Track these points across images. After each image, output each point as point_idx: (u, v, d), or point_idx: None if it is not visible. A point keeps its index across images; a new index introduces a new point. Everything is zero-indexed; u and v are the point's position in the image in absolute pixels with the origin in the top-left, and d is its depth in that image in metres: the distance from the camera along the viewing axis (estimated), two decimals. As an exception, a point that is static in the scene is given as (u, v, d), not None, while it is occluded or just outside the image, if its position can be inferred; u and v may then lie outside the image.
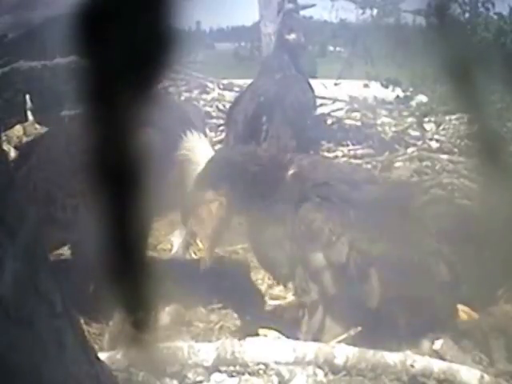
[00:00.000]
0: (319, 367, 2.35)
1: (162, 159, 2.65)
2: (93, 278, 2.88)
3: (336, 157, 5.35)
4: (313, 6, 7.58)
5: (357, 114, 5.92)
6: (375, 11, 8.06)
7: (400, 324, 2.54)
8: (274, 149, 4.29)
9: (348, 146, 5.57)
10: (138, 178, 0.84)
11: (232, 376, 2.33)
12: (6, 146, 4.25)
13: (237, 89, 6.05)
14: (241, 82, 6.10)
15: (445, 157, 5.25)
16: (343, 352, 2.37)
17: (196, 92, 6.24)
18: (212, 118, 5.81)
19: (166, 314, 2.93)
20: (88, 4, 0.79)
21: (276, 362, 2.35)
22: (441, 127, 5.76)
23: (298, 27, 4.67)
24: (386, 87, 6.91)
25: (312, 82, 4.78)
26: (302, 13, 7.36)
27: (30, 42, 5.79)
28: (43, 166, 2.98)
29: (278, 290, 3.23)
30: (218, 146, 5.06)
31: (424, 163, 5.25)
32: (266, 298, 3.27)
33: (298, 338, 2.57)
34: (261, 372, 2.33)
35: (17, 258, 1.29)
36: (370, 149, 5.51)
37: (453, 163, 5.14)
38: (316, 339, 2.56)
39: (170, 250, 3.69)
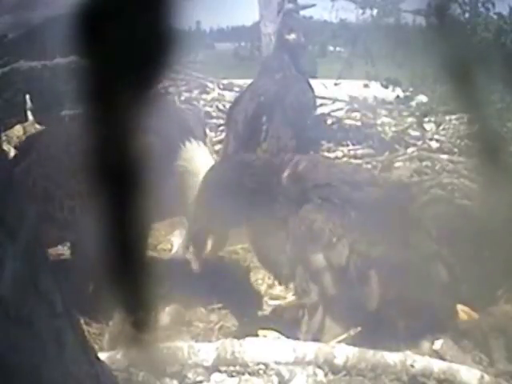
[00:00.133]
0: (319, 367, 2.35)
1: (161, 165, 2.65)
2: (92, 278, 2.88)
3: (336, 157, 5.35)
4: (313, 5, 7.58)
5: (357, 114, 5.92)
6: (375, 11, 8.06)
7: (399, 325, 2.54)
8: (273, 149, 4.30)
9: (348, 146, 5.57)
10: (136, 180, 0.84)
11: (232, 376, 2.33)
12: (5, 146, 4.25)
13: (237, 89, 6.05)
14: (241, 82, 6.10)
15: (445, 157, 5.25)
16: (343, 352, 2.37)
17: (196, 92, 6.24)
18: (212, 118, 5.81)
19: (165, 314, 2.93)
20: (88, 4, 0.79)
21: (276, 362, 2.35)
22: (441, 127, 5.76)
23: (297, 27, 4.67)
24: (386, 87, 6.91)
25: (312, 82, 4.78)
26: (302, 13, 7.36)
27: (30, 42, 5.79)
28: (43, 162, 2.99)
29: (278, 289, 3.23)
30: (218, 146, 5.08)
31: (424, 163, 5.25)
32: (266, 298, 3.27)
33: (298, 338, 2.57)
34: (261, 372, 2.33)
35: (17, 257, 1.29)
36: (370, 149, 5.51)
37: (453, 163, 5.14)
38: (316, 339, 2.56)
39: (170, 250, 3.69)
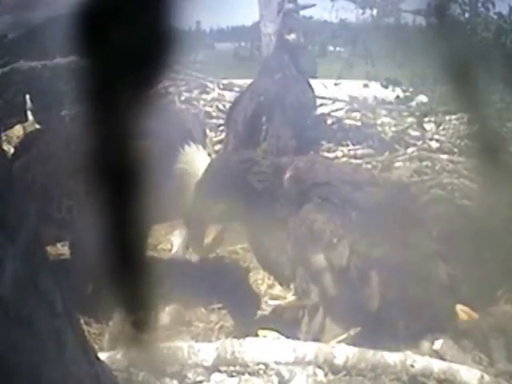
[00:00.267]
0: (319, 367, 2.35)
1: (160, 167, 2.65)
2: (92, 278, 2.88)
3: (336, 157, 5.35)
4: (313, 5, 7.58)
5: (357, 114, 5.92)
6: (375, 11, 8.06)
7: (400, 325, 2.54)
8: (273, 149, 4.30)
9: (348, 146, 5.57)
10: (135, 181, 0.84)
11: (232, 376, 2.33)
12: (5, 146, 4.25)
13: (237, 89, 6.05)
14: (241, 82, 6.10)
15: (445, 157, 5.25)
16: (343, 352, 2.37)
17: (196, 92, 6.24)
18: (212, 118, 5.81)
19: (166, 314, 2.93)
20: (88, 4, 0.79)
21: (276, 362, 2.35)
22: (441, 127, 5.76)
23: (297, 27, 4.66)
24: (386, 87, 6.91)
25: (312, 82, 4.78)
26: (302, 13, 7.37)
27: (30, 42, 5.79)
28: (43, 160, 2.99)
29: (278, 289, 3.23)
30: (218, 146, 5.08)
31: (424, 163, 5.25)
32: (266, 298, 3.27)
33: (298, 338, 2.57)
34: (261, 372, 2.33)
35: (17, 258, 1.29)
36: (370, 149, 5.51)
37: (453, 163, 5.14)
38: (316, 340, 2.56)
39: (170, 250, 3.69)
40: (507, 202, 2.56)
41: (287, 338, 2.56)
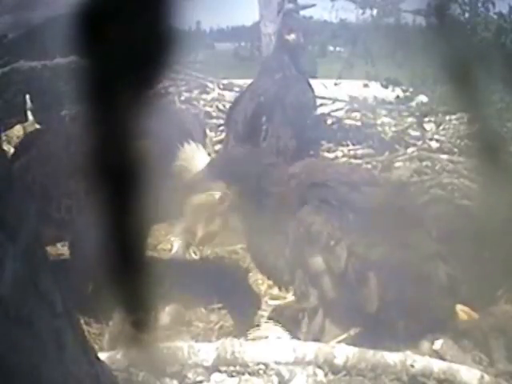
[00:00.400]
0: (319, 367, 2.35)
1: (159, 166, 2.65)
2: (92, 278, 2.88)
3: (336, 157, 5.35)
4: (313, 5, 7.57)
5: (357, 114, 5.92)
6: (375, 11, 8.05)
7: (399, 325, 2.54)
8: (273, 149, 4.29)
9: (348, 146, 5.57)
10: (135, 181, 0.84)
11: (232, 376, 2.33)
12: (6, 146, 4.25)
13: (237, 89, 6.05)
14: (241, 82, 6.09)
15: (445, 157, 5.25)
16: (343, 352, 2.37)
17: (196, 92, 6.24)
18: (212, 118, 5.81)
19: (165, 314, 2.93)
20: (88, 4, 0.79)
21: (276, 362, 2.35)
22: (441, 127, 5.75)
23: (297, 27, 4.66)
24: (386, 87, 6.90)
25: (312, 82, 4.78)
26: (302, 13, 7.36)
27: (30, 42, 5.79)
28: (43, 160, 2.99)
29: (278, 290, 3.22)
30: (218, 146, 5.07)
31: (424, 163, 5.25)
32: (266, 298, 3.27)
33: (298, 338, 2.57)
34: (261, 372, 2.33)
35: (17, 258, 1.29)
36: (370, 149, 5.50)
37: (453, 163, 5.14)
38: (316, 340, 2.56)
39: (170, 250, 3.69)
40: (507, 202, 2.56)
41: (288, 331, 2.56)
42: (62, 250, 3.33)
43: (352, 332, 2.59)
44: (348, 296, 2.55)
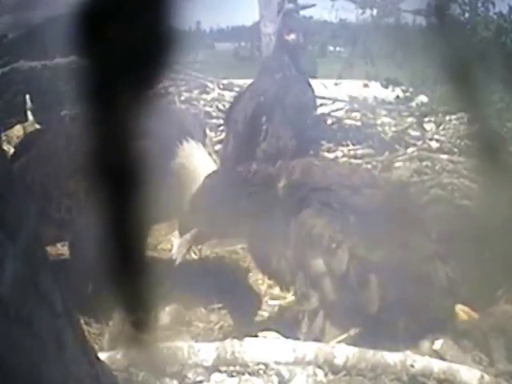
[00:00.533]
0: (319, 367, 2.35)
1: (159, 166, 2.65)
2: (92, 278, 2.88)
3: (336, 157, 5.35)
4: (313, 5, 7.57)
5: (357, 114, 5.92)
6: (375, 11, 8.05)
7: (400, 326, 2.54)
8: (273, 149, 4.29)
9: (348, 146, 5.57)
10: (135, 181, 0.84)
11: (232, 376, 2.33)
12: (5, 146, 4.25)
13: (237, 89, 6.05)
14: (241, 82, 6.09)
15: (445, 157, 5.25)
16: (343, 352, 2.37)
17: (196, 92, 6.23)
18: (212, 118, 5.81)
19: (166, 314, 2.93)
20: (88, 4, 0.79)
21: (276, 362, 2.35)
22: (441, 127, 5.75)
23: (297, 27, 4.66)
24: (386, 87, 6.91)
25: (312, 82, 4.77)
26: (302, 13, 7.35)
27: (30, 42, 5.79)
28: (42, 160, 2.99)
29: (278, 289, 3.22)
30: (218, 146, 5.07)
31: (424, 163, 5.25)
32: (266, 298, 3.27)
33: (298, 338, 2.57)
34: (261, 372, 2.33)
35: (17, 258, 1.29)
36: (370, 149, 5.50)
37: (453, 163, 5.14)
38: (316, 341, 2.56)
39: (170, 250, 3.69)
40: (507, 202, 2.56)
41: (287, 338, 2.56)
42: (62, 249, 3.33)
43: (352, 332, 2.59)
44: (349, 298, 2.55)
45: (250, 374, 2.33)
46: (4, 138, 4.86)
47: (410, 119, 5.90)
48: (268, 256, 2.69)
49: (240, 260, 3.58)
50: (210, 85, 6.28)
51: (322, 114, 5.59)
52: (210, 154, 3.34)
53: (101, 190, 0.84)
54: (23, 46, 5.82)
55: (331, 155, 5.38)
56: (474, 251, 2.67)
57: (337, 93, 6.45)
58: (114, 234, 0.89)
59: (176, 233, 3.73)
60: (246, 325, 2.96)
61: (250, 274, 3.43)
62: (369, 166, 5.13)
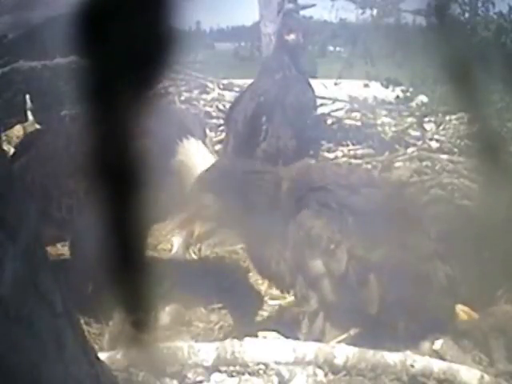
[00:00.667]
0: (319, 367, 2.35)
1: (158, 166, 2.65)
2: (92, 278, 2.88)
3: (336, 157, 5.35)
4: (313, 5, 7.58)
5: (357, 114, 5.92)
6: (375, 11, 8.06)
7: (399, 326, 2.54)
8: (273, 149, 4.30)
9: (348, 146, 5.57)
10: (135, 181, 0.84)
11: (232, 376, 2.33)
12: (5, 146, 4.25)
13: (237, 89, 6.05)
14: (241, 82, 6.09)
15: (445, 157, 5.25)
16: (343, 352, 2.37)
17: (196, 92, 6.24)
18: (212, 118, 5.81)
19: (166, 314, 2.93)
20: (88, 4, 0.79)
21: (276, 362, 2.35)
22: (441, 127, 5.75)
23: (297, 27, 4.66)
24: (386, 87, 6.91)
25: (312, 82, 4.77)
26: (302, 13, 7.37)
27: (30, 42, 5.79)
28: (42, 160, 2.99)
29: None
30: (218, 146, 5.07)
31: (424, 163, 5.25)
32: (266, 298, 3.27)
33: (298, 338, 2.57)
34: (261, 372, 2.33)
35: (17, 258, 1.29)
36: (370, 149, 5.50)
37: (453, 163, 5.14)
38: (316, 341, 2.56)
39: (170, 250, 3.69)
40: (507, 202, 2.56)
41: (287, 338, 2.56)
42: (62, 250, 3.33)
43: (352, 332, 2.59)
44: (348, 298, 2.55)
45: (250, 373, 2.33)
46: (4, 138, 4.86)
47: (409, 119, 5.90)
48: (266, 258, 2.69)
49: (240, 260, 3.58)
50: (210, 85, 6.28)
51: (322, 114, 5.59)
52: (210, 153, 3.33)
53: (101, 189, 0.84)
54: (23, 46, 5.81)
55: (331, 155, 5.38)
56: (474, 251, 2.67)
57: (337, 93, 6.45)
58: (114, 233, 0.89)
59: (176, 232, 3.74)
60: (246, 325, 2.96)
61: (250, 274, 3.42)
62: (369, 166, 5.13)
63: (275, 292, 3.25)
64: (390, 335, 2.50)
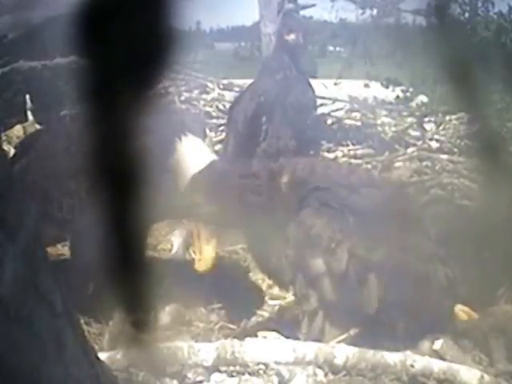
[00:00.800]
0: (319, 367, 2.35)
1: (158, 166, 2.65)
2: (92, 278, 2.88)
3: (336, 157, 5.34)
4: (313, 5, 7.59)
5: (357, 114, 5.92)
6: (375, 11, 8.07)
7: (399, 326, 2.54)
8: (273, 149, 4.29)
9: (348, 146, 5.57)
10: (135, 181, 0.84)
11: (232, 376, 2.33)
12: (6, 146, 4.25)
13: (237, 89, 6.05)
14: (241, 82, 6.09)
15: (445, 157, 5.25)
16: (343, 352, 2.37)
17: (196, 92, 6.23)
18: (212, 118, 5.81)
19: (166, 314, 2.93)
20: (88, 4, 0.79)
21: (276, 362, 2.35)
22: (441, 127, 5.76)
23: (297, 27, 4.66)
24: (386, 87, 6.91)
25: (312, 82, 4.77)
26: (302, 13, 7.37)
27: (30, 42, 5.79)
28: (42, 162, 2.99)
29: (278, 289, 3.22)
30: (218, 146, 5.07)
31: (424, 163, 5.25)
32: (266, 298, 3.27)
33: (298, 338, 2.57)
34: (261, 372, 2.33)
35: (17, 258, 1.29)
36: (370, 149, 5.50)
37: (453, 163, 5.14)
38: (316, 341, 2.56)
39: (170, 250, 3.69)
40: (507, 202, 2.56)
41: (287, 338, 2.56)
42: (62, 250, 3.33)
43: (352, 332, 2.59)
44: (348, 298, 2.55)
45: (250, 374, 2.33)
46: (4, 138, 4.86)
47: (409, 119, 5.90)
48: (268, 253, 2.69)
49: (240, 260, 3.58)
50: (210, 85, 6.28)
51: (322, 114, 5.59)
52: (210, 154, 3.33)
53: (101, 189, 0.84)
54: (23, 46, 5.82)
55: (331, 155, 5.38)
56: (474, 251, 2.67)
57: (337, 93, 6.45)
58: (115, 233, 0.89)
59: (176, 232, 3.74)
60: (246, 324, 2.97)
61: (250, 274, 3.42)
62: (369, 166, 5.13)
63: (275, 292, 3.25)
64: (389, 335, 2.50)
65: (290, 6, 5.77)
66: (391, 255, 2.56)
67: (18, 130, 5.25)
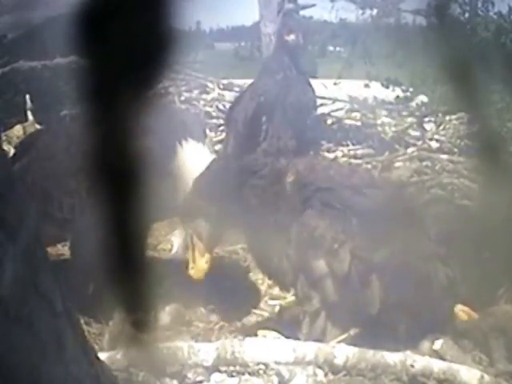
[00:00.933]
0: (319, 367, 2.35)
1: (159, 166, 2.65)
2: (92, 278, 2.88)
3: (336, 157, 5.34)
4: (313, 5, 7.59)
5: (357, 114, 5.92)
6: (375, 11, 8.07)
7: (400, 327, 2.54)
8: (273, 149, 4.29)
9: (348, 146, 5.57)
10: (136, 181, 0.84)
11: (232, 376, 2.33)
12: (6, 146, 4.25)
13: (237, 89, 6.05)
14: (241, 82, 6.09)
15: (445, 157, 5.25)
16: (343, 352, 2.37)
17: (196, 92, 6.23)
18: (212, 118, 5.81)
19: (166, 314, 2.93)
20: (88, 4, 0.79)
21: (276, 362, 2.35)
22: (441, 127, 5.76)
23: (297, 27, 4.66)
24: (387, 87, 6.91)
25: (312, 82, 4.77)
26: (302, 13, 7.38)
27: (30, 42, 5.79)
28: (42, 162, 3.00)
29: (278, 289, 3.22)
30: (218, 146, 5.07)
31: (424, 163, 5.25)
32: (266, 298, 3.27)
33: (298, 338, 2.57)
34: (261, 372, 2.33)
35: (17, 258, 1.29)
36: (370, 149, 5.51)
37: (453, 163, 5.14)
38: (317, 341, 2.56)
39: (170, 250, 3.69)
40: (507, 202, 2.56)
41: (287, 338, 2.56)
42: (62, 250, 3.33)
43: (352, 332, 2.59)
44: (350, 298, 2.55)
45: (250, 373, 2.33)
46: (4, 138, 4.86)
47: (409, 119, 5.90)
48: (269, 254, 2.69)
49: (240, 260, 3.58)
50: (210, 85, 6.28)
51: (322, 114, 5.59)
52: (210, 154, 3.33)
53: (101, 189, 0.84)
54: (23, 45, 5.82)
55: (331, 155, 5.37)
56: (474, 251, 2.67)
57: (337, 93, 6.45)
58: (115, 233, 0.89)
59: (176, 232, 3.74)
60: (246, 324, 2.97)
61: (250, 274, 3.42)
62: (369, 166, 5.13)
63: (275, 292, 3.25)
64: (390, 335, 2.50)
65: (290, 6, 5.77)
66: (393, 256, 2.56)
67: (17, 130, 5.25)
